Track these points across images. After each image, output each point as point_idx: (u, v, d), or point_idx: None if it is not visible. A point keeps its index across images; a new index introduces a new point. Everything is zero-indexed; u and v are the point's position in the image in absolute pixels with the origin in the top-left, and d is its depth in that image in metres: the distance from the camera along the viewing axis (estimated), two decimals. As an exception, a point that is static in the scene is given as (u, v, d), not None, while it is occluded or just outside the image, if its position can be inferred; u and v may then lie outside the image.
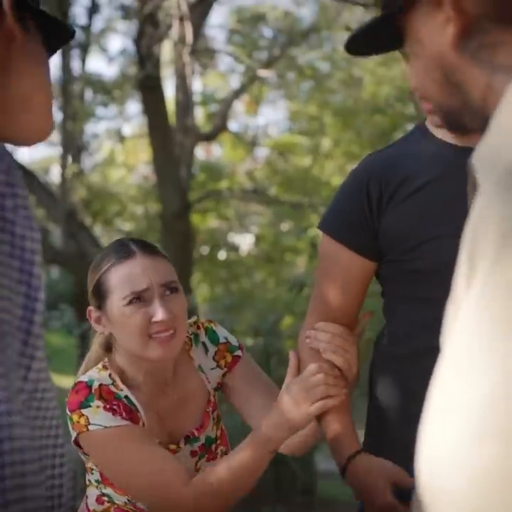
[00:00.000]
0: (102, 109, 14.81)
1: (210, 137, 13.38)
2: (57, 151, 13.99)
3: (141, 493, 2.05)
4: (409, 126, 12.07)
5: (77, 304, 10.73)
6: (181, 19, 8.59)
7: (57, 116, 11.67)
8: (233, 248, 15.83)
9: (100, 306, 2.11)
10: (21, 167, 10.35)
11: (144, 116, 11.46)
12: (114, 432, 2.00)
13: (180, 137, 11.28)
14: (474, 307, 0.87)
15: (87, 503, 2.19)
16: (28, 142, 1.42)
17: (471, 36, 1.06)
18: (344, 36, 15.09)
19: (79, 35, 11.86)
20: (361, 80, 14.17)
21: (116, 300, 2.06)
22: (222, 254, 15.18)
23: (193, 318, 2.27)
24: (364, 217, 1.98)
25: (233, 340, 2.27)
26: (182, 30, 8.66)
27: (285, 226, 14.78)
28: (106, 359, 2.16)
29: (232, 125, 15.98)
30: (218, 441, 2.22)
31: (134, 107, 18.78)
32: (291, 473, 5.93)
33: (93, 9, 12.06)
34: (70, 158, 12.91)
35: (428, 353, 1.82)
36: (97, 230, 14.59)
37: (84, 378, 2.07)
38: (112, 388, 2.07)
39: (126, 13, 12.09)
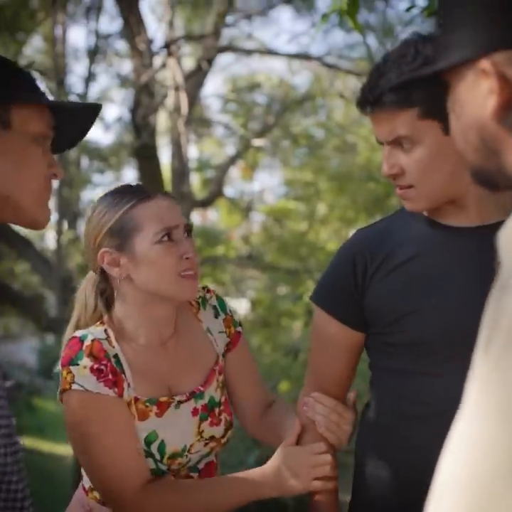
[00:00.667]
0: (99, 175, 14.93)
1: (206, 203, 13.45)
2: (53, 217, 14.05)
3: (93, 477, 2.01)
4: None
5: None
6: (176, 89, 8.70)
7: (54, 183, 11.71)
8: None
9: (121, 246, 2.02)
10: (16, 234, 10.38)
11: (139, 183, 11.50)
12: (93, 399, 1.95)
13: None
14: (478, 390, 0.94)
15: (82, 482, 2.16)
16: (27, 228, 1.47)
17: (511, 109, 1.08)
18: (338, 103, 15.26)
19: (76, 103, 11.95)
20: (355, 146, 14.30)
21: (148, 236, 2.00)
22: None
23: (201, 284, 2.24)
24: (350, 290, 2.04)
25: (236, 316, 2.30)
26: (177, 99, 8.76)
27: (281, 290, 14.76)
28: (104, 318, 2.09)
29: (228, 191, 16.10)
30: (222, 407, 2.17)
31: (130, 173, 18.88)
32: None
33: (89, 78, 12.20)
34: (65, 225, 12.94)
35: (405, 422, 1.95)
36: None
37: (78, 333, 2.02)
38: (105, 344, 2.01)
39: (122, 82, 12.25)
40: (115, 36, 11.55)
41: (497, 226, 1.92)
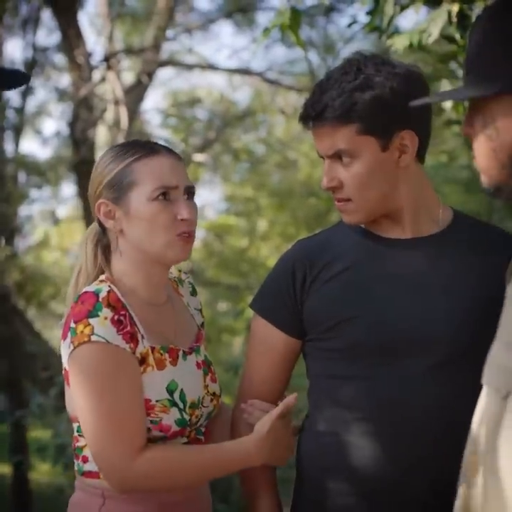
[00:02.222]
0: (36, 191, 14.71)
1: (146, 218, 13.31)
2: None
3: (97, 438, 1.93)
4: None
5: (9, 390, 10.44)
6: (116, 103, 8.60)
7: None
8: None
9: (118, 199, 1.99)
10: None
11: (78, 199, 11.38)
12: (112, 351, 1.91)
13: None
14: None
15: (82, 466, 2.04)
16: None
17: None
18: (279, 119, 15.34)
19: (12, 116, 11.81)
20: (296, 162, 14.34)
21: (144, 193, 1.97)
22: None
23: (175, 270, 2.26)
24: (289, 298, 2.09)
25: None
26: (117, 114, 8.67)
27: (222, 306, 14.73)
28: (102, 276, 2.03)
29: (168, 206, 15.95)
30: (213, 368, 2.17)
31: (68, 188, 18.66)
32: None
33: (27, 91, 12.03)
34: (3, 241, 12.71)
35: (343, 429, 1.99)
36: (31, 313, 14.34)
37: (89, 288, 1.97)
38: (118, 295, 1.97)
39: (60, 95, 12.09)
40: (53, 49, 11.41)
41: (429, 238, 2.02)
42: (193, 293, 2.28)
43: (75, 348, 1.92)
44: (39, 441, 7.06)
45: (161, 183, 1.98)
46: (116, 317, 1.93)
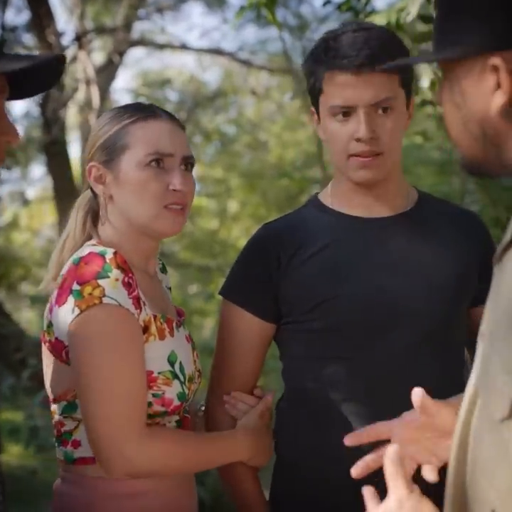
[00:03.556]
0: (5, 172, 14.56)
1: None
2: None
3: (100, 412, 1.77)
4: (315, 190, 12.23)
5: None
6: (87, 83, 8.53)
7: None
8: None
9: (109, 162, 1.89)
10: None
11: (48, 180, 11.29)
12: (124, 315, 1.77)
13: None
14: None
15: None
16: None
17: None
18: (249, 100, 15.30)
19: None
20: (267, 144, 14.32)
21: (135, 157, 1.86)
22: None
23: None
24: (263, 282, 2.05)
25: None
26: (88, 94, 8.59)
27: (193, 288, 14.70)
28: (93, 240, 1.91)
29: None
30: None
31: (38, 169, 18.50)
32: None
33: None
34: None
35: (327, 409, 1.98)
36: (1, 294, 14.24)
37: (94, 249, 1.82)
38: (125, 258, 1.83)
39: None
40: (22, 28, 11.26)
41: (402, 216, 2.03)
42: (163, 270, 2.16)
43: (81, 311, 1.76)
44: (10, 423, 7.00)
45: (154, 148, 1.86)
46: (126, 279, 1.79)
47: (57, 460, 1.93)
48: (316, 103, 2.02)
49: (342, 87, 1.93)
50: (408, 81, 1.99)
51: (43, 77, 1.58)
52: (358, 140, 1.93)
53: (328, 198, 2.11)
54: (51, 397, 1.91)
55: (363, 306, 1.96)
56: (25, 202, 15.61)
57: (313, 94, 2.01)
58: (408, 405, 1.74)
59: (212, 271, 12.71)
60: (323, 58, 1.95)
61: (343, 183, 2.05)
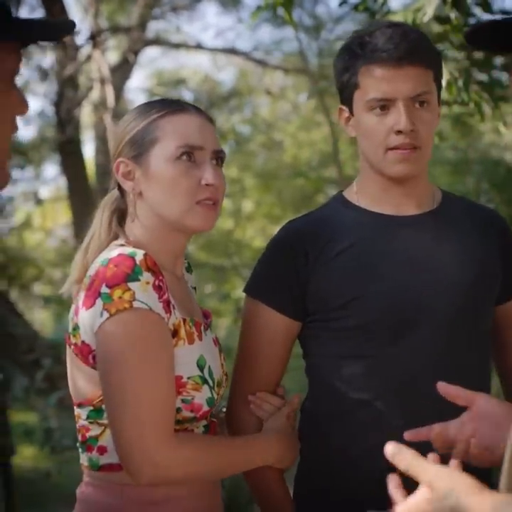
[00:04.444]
0: (19, 171, 14.57)
1: (131, 199, 13.25)
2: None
3: (119, 421, 1.73)
4: (331, 189, 12.22)
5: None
6: (102, 82, 8.51)
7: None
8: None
9: (138, 157, 1.85)
10: None
11: (62, 179, 11.29)
12: (155, 319, 1.72)
13: (100, 199, 11.13)
14: None
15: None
16: None
17: None
18: (264, 100, 15.28)
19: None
20: (282, 144, 14.28)
21: (165, 151, 1.82)
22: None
23: None
24: (291, 278, 2.03)
25: None
26: (103, 93, 8.57)
27: (208, 288, 14.70)
28: (120, 240, 1.86)
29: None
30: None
31: (51, 169, 18.53)
32: None
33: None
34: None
35: (354, 409, 1.97)
36: (14, 294, 14.26)
37: (122, 251, 1.76)
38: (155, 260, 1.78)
39: (44, 75, 11.96)
40: (37, 27, 11.25)
41: (428, 214, 2.02)
42: (189, 269, 2.10)
43: (111, 315, 1.71)
44: (24, 424, 6.99)
45: (185, 141, 1.82)
46: (156, 282, 1.74)
47: (80, 466, 1.89)
48: (349, 99, 2.01)
49: (380, 81, 1.93)
50: (440, 76, 2.02)
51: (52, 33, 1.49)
52: (398, 132, 1.93)
53: (353, 195, 2.10)
54: (76, 401, 1.86)
55: (391, 304, 1.96)
56: (39, 201, 15.62)
57: (348, 89, 2.01)
58: (435, 404, 1.72)
59: (227, 271, 12.71)
60: (360, 53, 1.95)
61: (372, 180, 2.05)
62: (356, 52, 1.96)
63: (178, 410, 1.79)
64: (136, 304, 1.71)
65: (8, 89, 1.35)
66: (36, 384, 7.52)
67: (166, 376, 1.75)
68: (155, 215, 1.86)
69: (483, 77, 3.71)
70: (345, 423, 2.00)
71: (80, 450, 1.87)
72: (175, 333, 1.80)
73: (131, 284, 1.71)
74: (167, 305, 1.77)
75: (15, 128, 1.38)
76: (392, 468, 1.84)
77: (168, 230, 1.87)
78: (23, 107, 1.39)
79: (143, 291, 1.71)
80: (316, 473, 2.06)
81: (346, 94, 2.01)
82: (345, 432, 1.99)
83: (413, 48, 1.92)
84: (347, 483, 1.99)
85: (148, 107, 1.90)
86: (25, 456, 6.65)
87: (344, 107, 2.04)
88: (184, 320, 1.83)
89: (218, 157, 1.88)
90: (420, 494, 1.20)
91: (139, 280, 1.71)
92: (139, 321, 1.72)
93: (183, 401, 1.80)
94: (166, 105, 1.89)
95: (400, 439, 1.83)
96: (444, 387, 1.58)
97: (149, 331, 1.73)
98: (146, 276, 1.72)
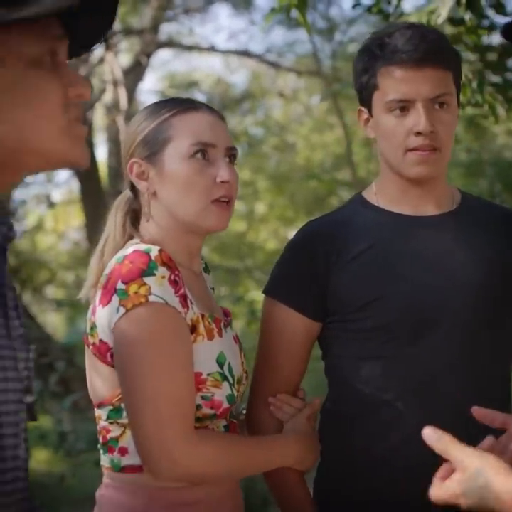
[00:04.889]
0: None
1: (143, 202, 13.28)
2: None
3: (138, 417, 1.71)
4: (344, 192, 12.22)
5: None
6: (115, 84, 8.51)
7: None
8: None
9: (152, 156, 1.83)
10: None
11: (75, 182, 11.31)
12: (172, 313, 1.70)
13: (113, 202, 11.15)
14: None
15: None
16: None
17: None
18: (276, 102, 15.26)
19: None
20: (294, 146, 14.28)
21: (179, 149, 1.81)
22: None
23: None
24: (311, 280, 2.02)
25: None
26: (115, 95, 8.58)
27: (221, 291, 14.71)
28: (135, 240, 1.84)
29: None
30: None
31: (63, 171, 18.57)
32: None
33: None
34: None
35: (374, 409, 1.96)
36: (26, 298, 14.30)
37: (137, 248, 1.74)
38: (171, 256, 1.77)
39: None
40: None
41: (447, 215, 2.00)
42: (206, 270, 2.07)
43: (127, 311, 1.69)
44: (38, 428, 6.99)
45: (198, 138, 1.81)
46: (172, 277, 1.72)
47: (101, 467, 1.88)
48: (368, 100, 1.99)
49: (400, 82, 1.92)
50: (459, 78, 2.00)
51: (97, 15, 1.30)
52: (418, 134, 1.91)
53: (373, 195, 2.09)
54: (95, 402, 1.84)
55: (410, 304, 1.94)
56: (51, 204, 15.66)
57: (367, 91, 1.99)
58: (455, 404, 1.69)
59: (240, 273, 12.71)
60: (379, 54, 1.94)
61: (391, 181, 2.03)
62: (375, 54, 1.94)
63: (198, 407, 1.76)
64: (151, 298, 1.69)
65: (49, 71, 1.20)
66: (50, 387, 7.51)
67: (184, 371, 1.73)
68: (170, 215, 1.84)
69: (497, 79, 3.69)
70: (365, 423, 1.99)
71: (101, 452, 1.86)
72: (193, 329, 1.78)
73: (146, 279, 1.69)
74: (184, 299, 1.75)
75: (80, 117, 1.25)
76: (412, 468, 1.87)
77: (182, 230, 1.85)
78: (83, 87, 1.24)
79: (159, 285, 1.70)
80: (338, 474, 2.05)
81: (365, 96, 2.00)
82: (367, 432, 1.97)
83: (433, 49, 1.91)
84: (369, 484, 1.97)
85: (159, 106, 1.88)
86: (40, 459, 6.64)
87: (363, 109, 2.03)
88: (203, 315, 1.81)
89: (231, 154, 1.86)
90: (453, 477, 1.26)
91: (154, 275, 1.70)
92: (154, 315, 1.70)
93: (202, 398, 1.77)
94: (176, 104, 1.88)
95: (420, 439, 1.84)
96: (479, 412, 1.54)
97: (165, 324, 1.71)
98: (162, 271, 1.71)
